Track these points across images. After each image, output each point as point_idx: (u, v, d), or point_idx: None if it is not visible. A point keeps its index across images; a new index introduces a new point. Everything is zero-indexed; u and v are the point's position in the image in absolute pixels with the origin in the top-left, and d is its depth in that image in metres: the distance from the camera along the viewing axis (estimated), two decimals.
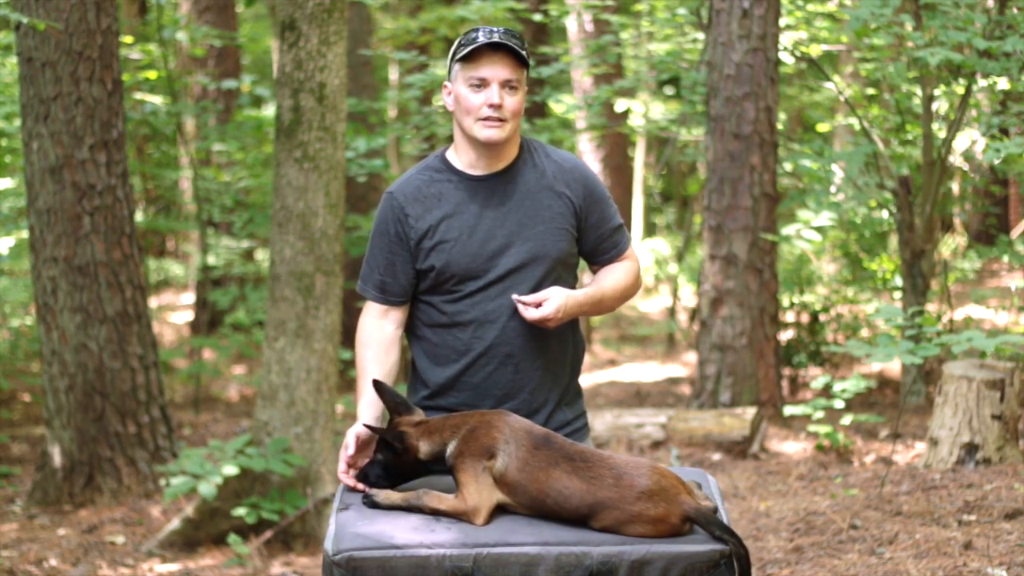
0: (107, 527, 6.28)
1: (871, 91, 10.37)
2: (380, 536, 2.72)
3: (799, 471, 6.72)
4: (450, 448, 2.85)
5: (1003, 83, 8.00)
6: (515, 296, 3.06)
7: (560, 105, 12.17)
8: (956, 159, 9.24)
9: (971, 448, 6.18)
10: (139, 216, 11.23)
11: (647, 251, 15.53)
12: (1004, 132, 8.39)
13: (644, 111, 12.77)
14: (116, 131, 6.72)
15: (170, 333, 12.39)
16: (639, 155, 16.01)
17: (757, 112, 8.05)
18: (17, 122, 8.65)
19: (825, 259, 12.86)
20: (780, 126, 9.20)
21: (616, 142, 13.99)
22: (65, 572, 5.66)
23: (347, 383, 9.52)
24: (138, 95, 10.39)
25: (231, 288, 10.92)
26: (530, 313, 3.04)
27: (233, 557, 5.79)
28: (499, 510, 2.82)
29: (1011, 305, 9.58)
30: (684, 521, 2.72)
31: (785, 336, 9.43)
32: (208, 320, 11.25)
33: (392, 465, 2.92)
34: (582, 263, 3.31)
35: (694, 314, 11.17)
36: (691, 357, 11.29)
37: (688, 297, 13.54)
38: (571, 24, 12.93)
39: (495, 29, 3.05)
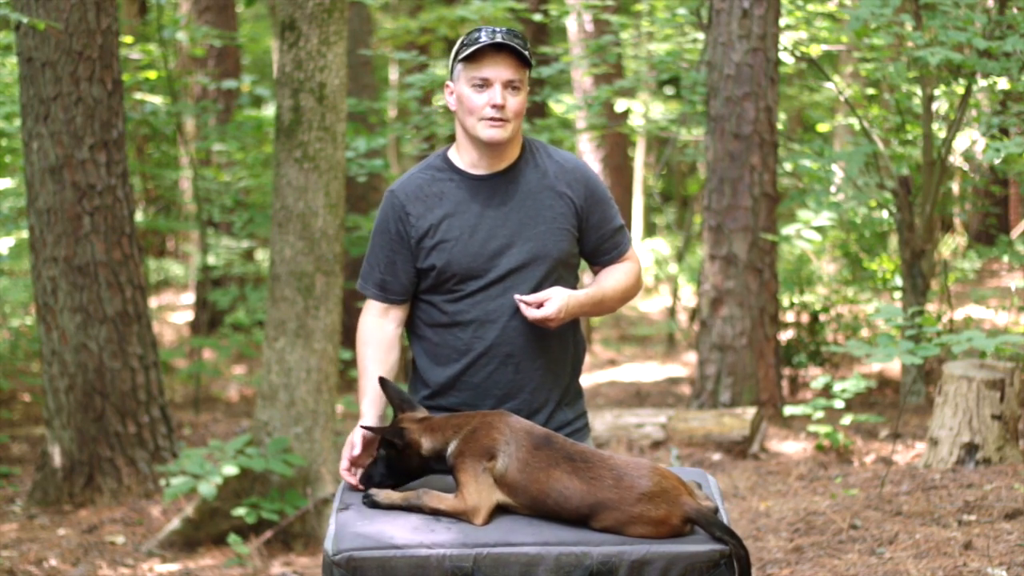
0: (107, 527, 6.28)
1: (871, 91, 10.37)
2: (380, 536, 2.72)
3: (799, 471, 6.72)
4: (451, 447, 2.86)
5: (1003, 83, 7.99)
6: (517, 296, 3.07)
7: (560, 105, 12.17)
8: (956, 159, 9.24)
9: (971, 448, 6.18)
10: (139, 216, 11.23)
11: (647, 251, 15.53)
12: (1004, 132, 8.39)
13: (644, 111, 12.77)
14: (116, 131, 6.72)
15: (170, 333, 12.39)
16: (639, 155, 16.01)
17: (757, 112, 8.05)
18: (17, 122, 8.65)
19: (825, 259, 12.86)
20: (780, 126, 9.19)
21: (616, 142, 13.99)
22: (65, 572, 5.66)
23: (347, 383, 9.52)
24: (138, 95, 10.39)
25: (231, 288, 10.92)
26: (532, 313, 3.04)
27: (233, 557, 5.79)
28: (499, 510, 2.82)
29: (1011, 305, 9.58)
30: (685, 522, 2.72)
31: (785, 336, 9.43)
32: (208, 320, 11.25)
33: (395, 463, 2.93)
34: (583, 263, 3.31)
35: (694, 314, 11.17)
36: (691, 357, 11.29)
37: (688, 297, 13.54)
38: (571, 24, 12.93)
39: (498, 29, 3.06)
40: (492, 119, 3.06)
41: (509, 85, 3.07)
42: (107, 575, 5.65)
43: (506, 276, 3.10)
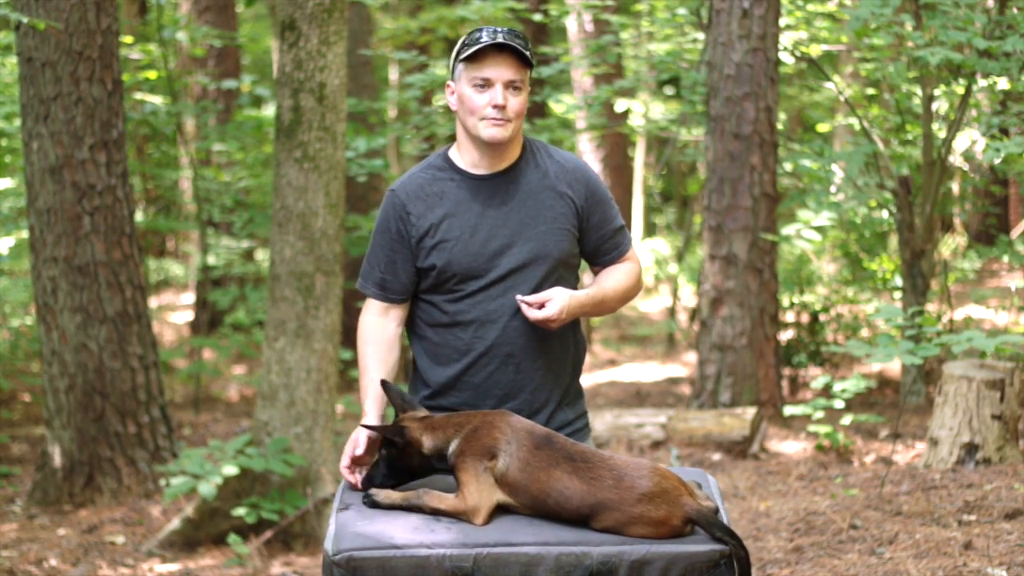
0: (107, 527, 6.28)
1: (871, 91, 10.37)
2: (380, 536, 2.72)
3: (799, 471, 6.72)
4: (452, 447, 2.86)
5: (1003, 83, 7.99)
6: (519, 296, 3.07)
7: (560, 105, 12.17)
8: (956, 159, 9.24)
9: (971, 448, 6.18)
10: (139, 216, 11.23)
11: (647, 251, 15.53)
12: (1004, 132, 8.38)
13: (644, 111, 12.77)
14: (116, 131, 6.72)
15: (170, 333, 12.39)
16: (639, 155, 16.01)
17: (757, 112, 8.05)
18: (17, 122, 8.65)
19: (825, 259, 12.86)
20: (780, 126, 9.19)
21: (616, 142, 13.99)
22: (65, 572, 5.66)
23: (347, 383, 9.52)
24: (138, 95, 10.39)
25: (231, 288, 10.92)
26: (533, 314, 3.04)
27: (233, 557, 5.79)
28: (499, 510, 2.82)
29: (1011, 305, 9.58)
30: (685, 523, 2.72)
31: (785, 336, 9.43)
32: (208, 320, 11.25)
33: (396, 462, 2.93)
34: (583, 263, 3.31)
35: (694, 314, 11.17)
36: (691, 357, 11.29)
37: (688, 297, 13.54)
38: (571, 24, 12.93)
39: (499, 29, 3.06)
40: (493, 119, 3.06)
41: (510, 85, 3.07)
42: (107, 575, 5.65)
43: (507, 276, 3.10)
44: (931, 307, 8.84)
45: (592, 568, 2.66)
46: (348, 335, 8.35)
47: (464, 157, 3.17)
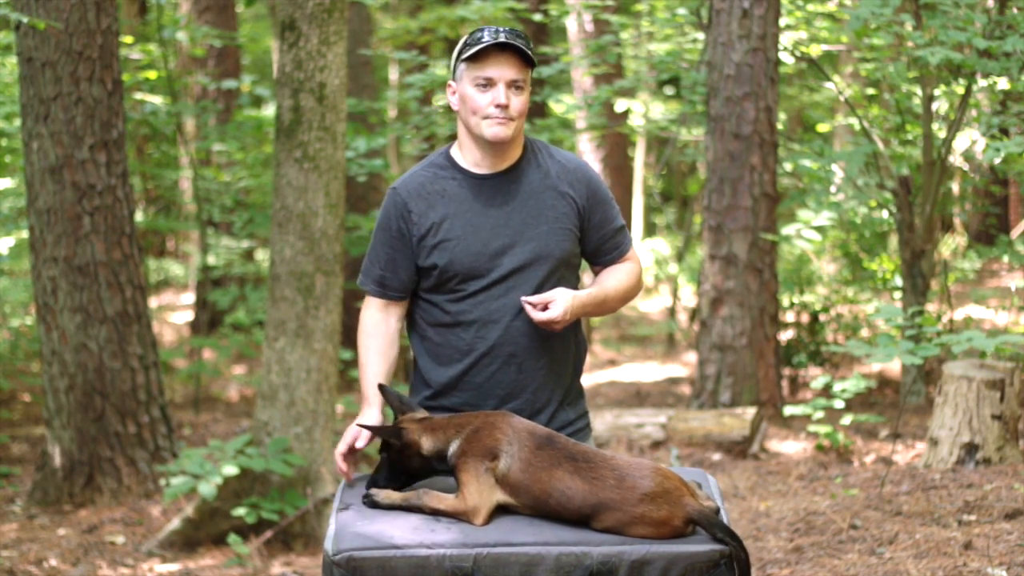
0: (107, 527, 6.28)
1: (871, 91, 10.37)
2: (380, 536, 2.72)
3: (799, 471, 6.72)
4: (452, 448, 2.86)
5: (1003, 83, 7.99)
6: (524, 298, 3.06)
7: (560, 105, 12.17)
8: (956, 159, 9.24)
9: (971, 448, 6.18)
10: (139, 216, 11.23)
11: (647, 251, 15.53)
12: (1004, 132, 8.38)
13: (644, 111, 12.77)
14: (116, 131, 6.72)
15: (170, 333, 12.39)
16: (639, 155, 16.01)
17: (757, 112, 8.05)
18: (17, 122, 8.65)
19: (825, 259, 12.86)
20: (780, 126, 9.19)
21: (616, 142, 13.99)
22: (65, 572, 5.66)
23: (347, 383, 9.52)
24: (138, 95, 10.39)
25: (231, 288, 10.92)
26: (538, 315, 3.04)
27: (233, 557, 5.79)
28: (499, 510, 2.82)
29: (1011, 305, 9.58)
30: (687, 523, 2.72)
31: (785, 336, 9.43)
32: (208, 320, 11.24)
33: (396, 464, 2.93)
34: (583, 263, 3.31)
35: (694, 314, 11.17)
36: (691, 357, 11.29)
37: (688, 297, 13.54)
38: (571, 24, 12.93)
39: (501, 29, 3.06)
40: (497, 118, 3.06)
41: (513, 85, 3.07)
42: (107, 575, 5.65)
43: (509, 276, 3.10)
44: (931, 307, 8.84)
45: (592, 568, 2.66)
46: (348, 335, 8.34)
47: (466, 156, 3.17)
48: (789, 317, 9.76)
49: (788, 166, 9.06)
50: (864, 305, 10.17)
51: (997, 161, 7.32)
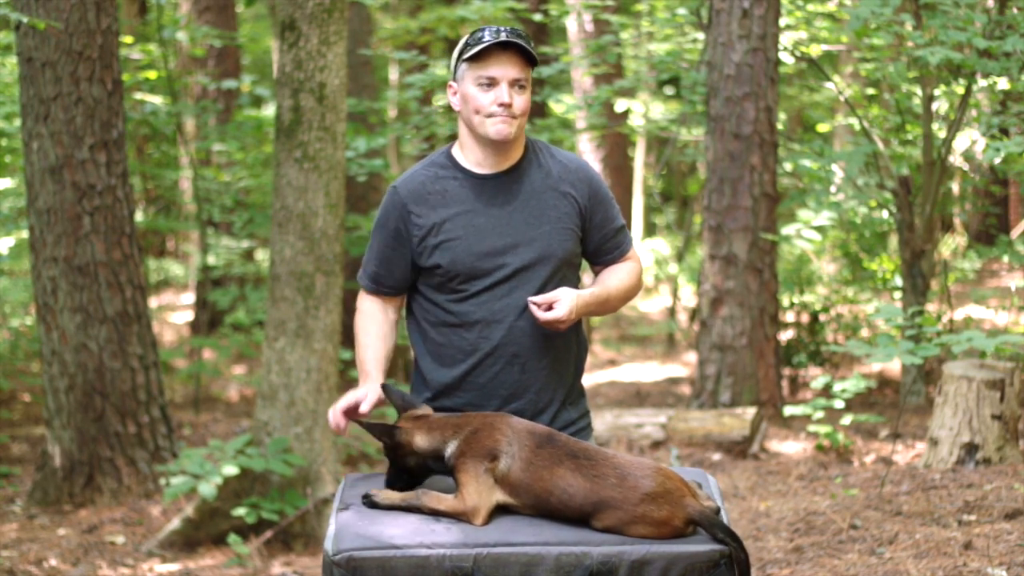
0: (107, 527, 6.28)
1: (871, 91, 10.37)
2: (380, 536, 2.72)
3: (799, 471, 6.72)
4: (451, 448, 2.85)
5: (1003, 83, 7.99)
6: (530, 299, 3.06)
7: (560, 105, 12.17)
8: (956, 159, 9.24)
9: (971, 448, 6.17)
10: (139, 216, 11.23)
11: (647, 251, 15.53)
12: (1004, 132, 8.38)
13: (644, 111, 12.77)
14: (116, 131, 6.72)
15: (170, 333, 12.39)
16: (639, 155, 16.01)
17: (757, 112, 8.05)
18: (17, 122, 8.65)
19: (825, 259, 12.86)
20: (780, 126, 9.19)
21: (616, 142, 13.99)
22: (65, 572, 5.66)
23: (347, 383, 9.51)
24: (138, 95, 10.39)
25: (231, 288, 10.92)
26: (543, 316, 3.03)
27: (233, 557, 5.79)
28: (499, 510, 2.82)
29: (1011, 305, 9.58)
30: (687, 524, 2.71)
31: (785, 336, 9.43)
32: (208, 320, 11.24)
33: (395, 463, 2.93)
34: (583, 263, 3.31)
35: (694, 314, 11.17)
36: (691, 357, 11.29)
37: (688, 297, 13.54)
38: (571, 24, 12.93)
39: (502, 28, 3.06)
40: (501, 116, 3.06)
41: (515, 84, 3.07)
42: (107, 575, 5.65)
43: (512, 276, 3.10)
44: (931, 307, 8.84)
45: (592, 568, 2.66)
46: (348, 335, 8.33)
47: (467, 156, 3.17)
48: (789, 317, 9.76)
49: (788, 166, 9.06)
50: (864, 305, 10.17)
51: (997, 161, 7.32)
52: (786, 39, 9.08)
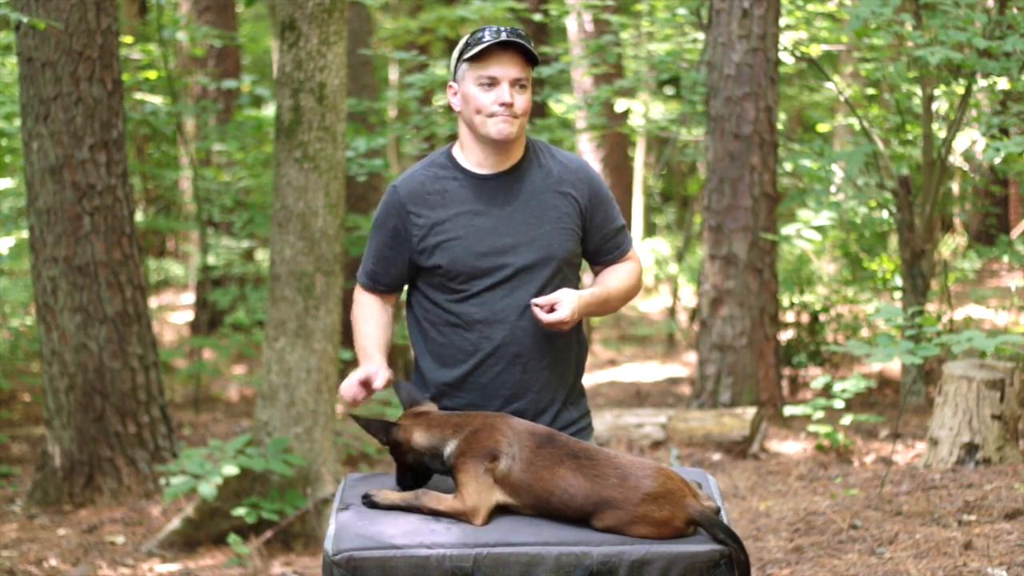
0: (107, 527, 6.28)
1: (871, 91, 10.37)
2: (380, 536, 2.72)
3: (799, 471, 6.72)
4: (450, 447, 2.85)
5: (1003, 83, 7.99)
6: (533, 301, 3.06)
7: (560, 105, 12.17)
8: (956, 159, 9.24)
9: (971, 448, 6.17)
10: (139, 216, 11.23)
11: (647, 251, 15.53)
12: (1004, 132, 8.38)
13: (644, 111, 12.77)
14: (116, 131, 6.72)
15: (170, 333, 12.39)
16: (639, 155, 16.01)
17: (757, 112, 8.05)
18: (17, 122, 8.65)
19: (825, 259, 12.86)
20: (780, 126, 9.19)
21: (616, 142, 13.99)
22: (65, 572, 5.66)
23: None
24: (138, 95, 10.39)
25: (231, 288, 10.92)
26: (546, 317, 3.03)
27: (233, 557, 5.79)
28: (499, 510, 2.82)
29: (1011, 305, 9.58)
30: (688, 524, 2.71)
31: (785, 336, 9.43)
32: (208, 320, 11.25)
33: (397, 460, 2.93)
34: (583, 263, 3.31)
35: (694, 314, 11.17)
36: (691, 357, 11.29)
37: (688, 297, 13.54)
38: (571, 24, 12.93)
39: (502, 28, 3.06)
40: (502, 116, 3.06)
41: (516, 83, 3.07)
42: (107, 575, 5.65)
43: (512, 276, 3.10)
44: (931, 307, 8.84)
45: (592, 568, 2.65)
46: (348, 335, 8.32)
47: (468, 156, 3.17)
48: (789, 317, 9.76)
49: (788, 166, 9.06)
50: (864, 305, 10.17)
51: (997, 161, 7.32)
52: (786, 39, 9.08)
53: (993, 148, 6.63)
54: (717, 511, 2.78)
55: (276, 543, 6.01)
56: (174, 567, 5.76)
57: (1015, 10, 7.93)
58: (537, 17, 11.03)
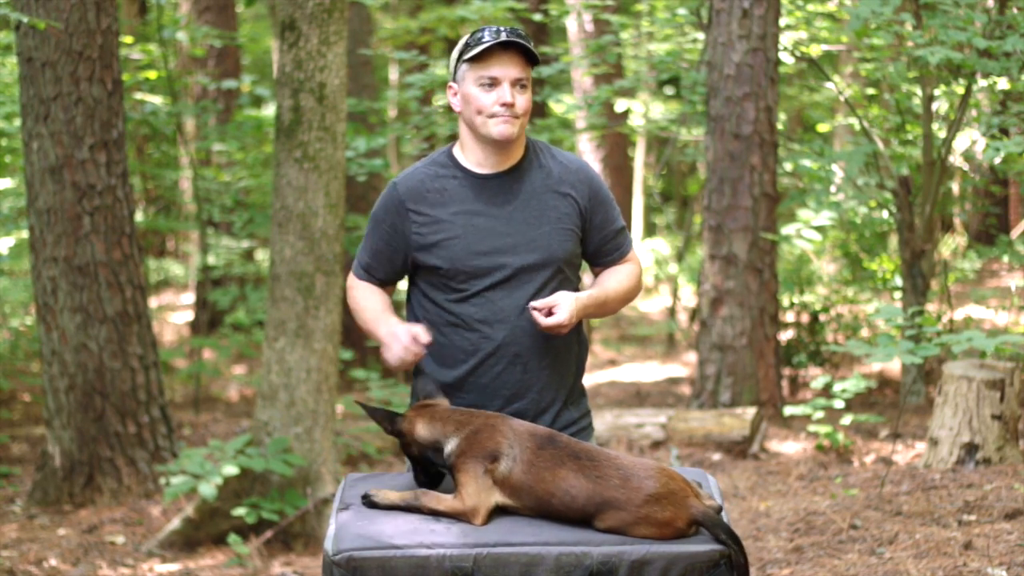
0: (107, 527, 6.28)
1: (871, 91, 10.37)
2: (380, 536, 2.72)
3: (799, 471, 6.72)
4: (451, 445, 2.85)
5: (1003, 83, 7.99)
6: (531, 304, 3.06)
7: (560, 105, 12.17)
8: (956, 159, 9.24)
9: (971, 448, 6.17)
10: (139, 216, 11.23)
11: (647, 251, 15.53)
12: (1004, 132, 8.38)
13: (644, 111, 12.77)
14: (116, 131, 6.72)
15: (170, 333, 12.39)
16: (639, 155, 16.01)
17: (757, 112, 8.05)
18: (17, 122, 8.65)
19: (825, 259, 12.86)
20: (780, 126, 9.19)
21: (616, 142, 13.99)
22: (65, 572, 5.66)
23: (347, 383, 9.52)
24: (138, 95, 10.39)
25: (231, 288, 10.92)
26: (545, 321, 3.03)
27: (233, 557, 5.79)
28: (499, 510, 2.82)
29: (1011, 305, 9.58)
30: (690, 525, 2.71)
31: (785, 336, 9.43)
32: (208, 320, 11.25)
33: (405, 452, 2.94)
34: (582, 264, 3.31)
35: (694, 314, 11.17)
36: (691, 357, 11.29)
37: (688, 297, 13.54)
38: (571, 24, 12.93)
39: (502, 28, 3.06)
40: (503, 116, 3.06)
41: (517, 83, 3.07)
42: (107, 575, 5.65)
43: (512, 276, 3.10)
44: (931, 307, 8.84)
45: (592, 568, 2.65)
46: (348, 335, 8.34)
47: (468, 156, 3.17)
48: (789, 317, 9.76)
49: (788, 166, 9.06)
50: (864, 305, 10.17)
51: (997, 161, 7.32)
52: (786, 39, 9.08)
53: (993, 148, 6.63)
54: (719, 510, 2.78)
55: (276, 543, 6.01)
56: (174, 567, 5.76)
57: (1015, 10, 7.93)
58: (537, 17, 11.03)
